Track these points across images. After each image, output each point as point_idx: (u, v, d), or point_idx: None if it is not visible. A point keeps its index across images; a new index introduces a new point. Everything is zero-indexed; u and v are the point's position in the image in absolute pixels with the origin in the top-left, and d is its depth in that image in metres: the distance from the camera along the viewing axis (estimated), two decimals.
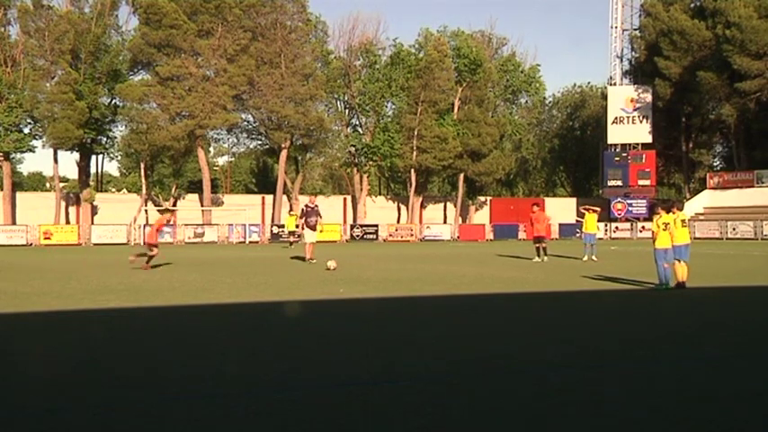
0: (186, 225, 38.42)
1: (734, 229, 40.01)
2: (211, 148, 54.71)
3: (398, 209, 49.94)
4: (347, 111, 50.62)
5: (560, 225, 41.06)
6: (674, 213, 12.03)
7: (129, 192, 55.32)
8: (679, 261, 11.87)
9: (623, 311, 10.19)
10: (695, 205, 45.27)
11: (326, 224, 30.45)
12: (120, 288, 12.13)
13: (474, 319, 9.27)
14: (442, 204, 52.03)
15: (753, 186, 43.62)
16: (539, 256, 20.29)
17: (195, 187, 49.03)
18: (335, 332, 7.92)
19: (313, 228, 19.09)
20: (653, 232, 12.21)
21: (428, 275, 15.51)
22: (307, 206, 19.66)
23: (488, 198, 53.15)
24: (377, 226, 42.25)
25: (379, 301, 11.11)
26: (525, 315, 9.98)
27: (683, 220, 12.18)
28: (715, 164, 55.31)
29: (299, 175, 49.21)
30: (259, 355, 6.55)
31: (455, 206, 49.64)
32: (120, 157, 55.91)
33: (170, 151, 41.69)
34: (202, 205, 42.71)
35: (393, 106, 49.79)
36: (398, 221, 47.73)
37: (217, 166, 65.71)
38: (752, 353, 6.70)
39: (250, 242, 37.94)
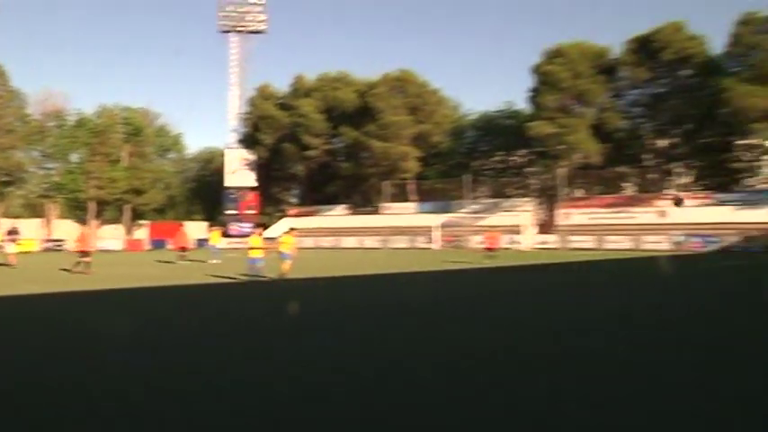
0: None
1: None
2: None
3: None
4: (43, 157, 75.44)
5: (198, 240, 71.36)
6: (256, 234, 22.04)
7: None
8: (283, 261, 19.91)
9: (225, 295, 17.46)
10: (282, 227, 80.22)
11: (25, 240, 44.88)
12: None
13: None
14: (114, 225, 79.20)
15: (315, 215, 79.93)
16: (182, 260, 31.62)
17: None
18: None
19: (14, 242, 28.41)
20: (253, 246, 21.23)
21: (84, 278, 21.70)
22: (12, 227, 30.47)
23: (147, 221, 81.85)
24: (64, 240, 66.64)
25: None
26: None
27: (282, 238, 21.61)
28: (293, 200, 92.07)
29: (2, 203, 72.04)
30: None
31: (123, 226, 77.57)
32: None
33: None
34: None
35: (78, 156, 76.26)
36: None
37: None
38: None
39: None
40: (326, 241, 66.71)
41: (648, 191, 61.78)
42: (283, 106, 78.90)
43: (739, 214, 52.94)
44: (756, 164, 60.86)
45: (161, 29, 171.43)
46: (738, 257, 38.19)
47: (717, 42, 57.07)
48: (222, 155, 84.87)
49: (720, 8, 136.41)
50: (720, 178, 60.49)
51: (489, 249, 33.14)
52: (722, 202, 55.10)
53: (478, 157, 73.87)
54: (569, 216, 59.97)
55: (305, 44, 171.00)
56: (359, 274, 24.62)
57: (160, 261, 33.76)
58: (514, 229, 58.38)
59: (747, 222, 51.43)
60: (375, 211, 72.22)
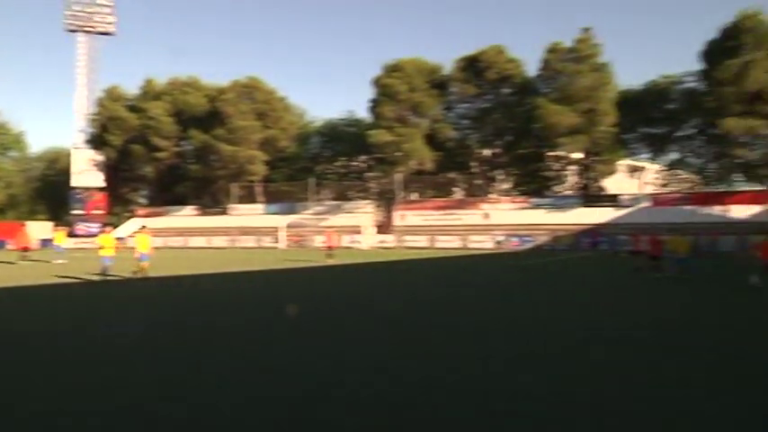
0: None
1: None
2: None
3: None
4: None
5: (41, 240, 70.28)
6: (105, 233, 21.90)
7: None
8: (141, 261, 20.44)
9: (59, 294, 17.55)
10: (130, 227, 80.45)
11: None
12: None
13: None
14: None
15: (164, 216, 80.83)
16: (24, 260, 31.53)
17: None
18: None
19: None
20: (102, 245, 20.95)
21: None
22: None
23: None
24: None
25: None
26: None
27: (139, 238, 21.56)
28: (142, 201, 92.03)
29: None
30: None
31: None
32: None
33: None
34: None
35: None
36: None
37: None
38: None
39: None
40: (175, 241, 68.20)
41: (475, 195, 68.39)
42: (133, 108, 79.38)
43: (549, 217, 60.34)
44: (563, 173, 69.07)
45: (3, 26, 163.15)
46: (547, 255, 44.11)
47: (531, 66, 64.50)
48: (69, 155, 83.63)
49: (534, 35, 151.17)
50: (534, 185, 68.12)
51: (329, 248, 35.70)
52: (536, 206, 62.41)
53: (322, 161, 78.16)
54: (405, 217, 65.28)
55: (155, 48, 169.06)
56: (210, 273, 25.34)
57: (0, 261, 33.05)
58: (356, 230, 62.98)
59: (556, 224, 58.79)
60: (223, 212, 74.38)
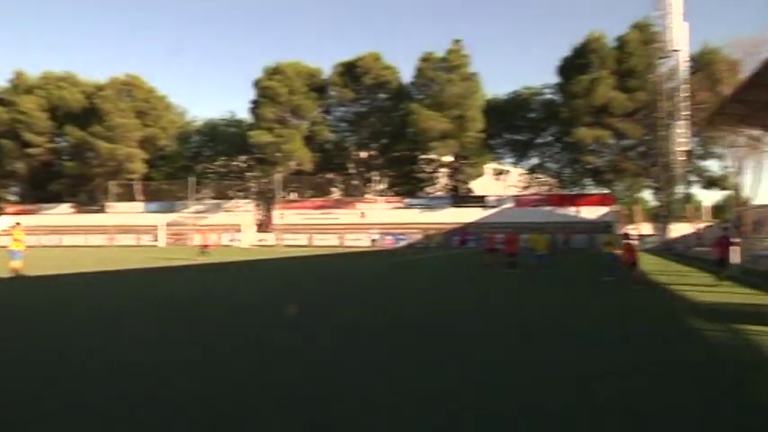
0: None
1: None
2: None
3: None
4: None
5: None
6: None
7: None
8: (13, 259, 19.25)
9: None
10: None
11: None
12: None
13: None
14: None
15: (36, 214, 78.29)
16: None
17: None
18: None
19: None
20: None
21: None
22: None
23: None
24: None
25: None
26: None
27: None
28: (12, 198, 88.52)
29: None
30: None
31: None
32: None
33: None
34: None
35: None
36: None
37: None
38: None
39: None
40: (49, 239, 66.74)
41: (352, 195, 71.25)
42: (1, 102, 76.92)
43: (422, 216, 63.96)
44: (435, 175, 73.24)
45: None
46: (419, 252, 46.37)
47: (406, 73, 68.14)
48: None
49: (409, 44, 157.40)
50: (408, 186, 71.85)
51: (204, 247, 35.81)
52: (409, 206, 65.90)
53: (203, 161, 78.72)
54: (284, 216, 67.11)
55: (26, 41, 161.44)
56: (84, 272, 24.23)
57: None
58: (236, 228, 64.28)
59: (428, 223, 62.41)
60: (101, 210, 73.26)
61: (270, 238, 63.92)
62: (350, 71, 68.89)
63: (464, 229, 58.72)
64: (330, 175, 73.81)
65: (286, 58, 74.42)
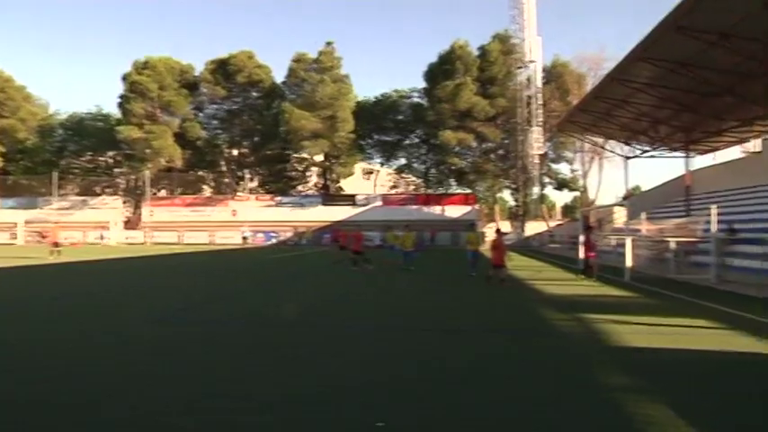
0: None
1: None
2: None
3: None
4: None
5: None
6: None
7: None
8: None
9: None
10: None
11: None
12: None
13: None
14: None
15: None
16: None
17: None
18: None
19: None
20: None
21: None
22: None
23: None
24: None
25: None
26: None
27: None
28: None
29: None
30: None
31: None
32: None
33: None
34: None
35: None
36: None
37: None
38: None
39: None
40: None
41: (223, 193, 71.28)
42: None
43: (293, 214, 65.16)
44: (306, 174, 74.64)
45: None
46: (290, 250, 47.50)
47: (279, 72, 68.74)
48: None
49: (283, 44, 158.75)
50: (280, 184, 72.82)
51: (54, 245, 33.23)
52: (281, 204, 66.88)
53: (67, 155, 75.70)
54: (154, 214, 66.19)
55: None
56: None
57: None
58: (103, 226, 62.76)
59: (299, 221, 63.69)
60: None
61: (139, 236, 62.93)
62: (222, 69, 68.87)
63: (337, 228, 60.12)
64: (201, 173, 73.41)
65: (157, 53, 73.13)
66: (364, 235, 27.60)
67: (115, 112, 72.07)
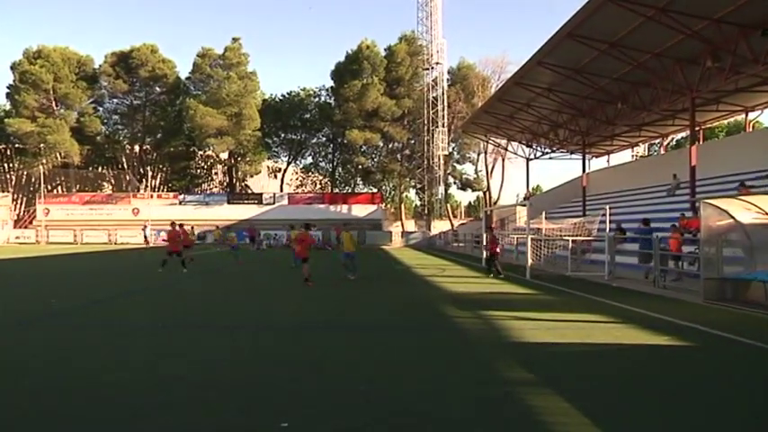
0: None
1: None
2: None
3: None
4: None
5: None
6: None
7: None
8: None
9: None
10: None
11: None
12: None
13: None
14: None
15: None
16: None
17: None
18: None
19: None
20: None
21: None
22: None
23: None
24: None
25: None
26: None
27: None
28: None
29: None
30: None
31: None
32: None
33: None
34: None
35: None
36: None
37: None
38: None
39: None
40: None
41: (124, 190, 68.74)
42: None
43: (198, 212, 63.60)
44: (211, 171, 73.16)
45: None
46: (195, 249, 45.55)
47: (184, 68, 66.98)
48: None
49: (189, 39, 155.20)
50: (184, 182, 71.18)
51: None
52: (185, 202, 65.11)
53: None
54: (49, 212, 63.04)
55: None
56: None
57: None
58: None
59: (204, 219, 62.21)
60: None
61: (31, 235, 59.85)
62: (124, 62, 66.59)
63: (252, 227, 58.50)
64: (101, 170, 70.54)
65: (51, 42, 69.61)
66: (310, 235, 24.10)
67: (4, 103, 68.11)
